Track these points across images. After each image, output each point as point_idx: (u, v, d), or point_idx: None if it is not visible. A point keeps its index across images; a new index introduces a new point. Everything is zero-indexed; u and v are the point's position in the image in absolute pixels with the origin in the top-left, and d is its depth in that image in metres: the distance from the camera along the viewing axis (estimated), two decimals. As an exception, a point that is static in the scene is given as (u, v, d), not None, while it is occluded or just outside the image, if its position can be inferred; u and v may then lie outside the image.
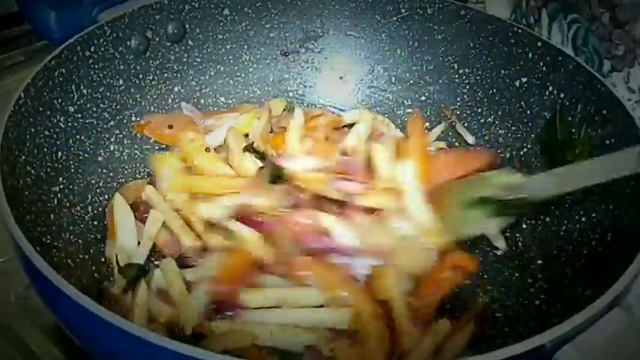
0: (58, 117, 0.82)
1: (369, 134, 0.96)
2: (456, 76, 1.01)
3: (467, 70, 1.00)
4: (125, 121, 0.93)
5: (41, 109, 0.78)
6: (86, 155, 0.86)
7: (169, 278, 0.77)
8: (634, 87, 1.01)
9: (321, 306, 0.75)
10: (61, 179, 0.80)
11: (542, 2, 1.10)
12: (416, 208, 0.82)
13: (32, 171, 0.75)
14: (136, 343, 0.50)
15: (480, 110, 0.99)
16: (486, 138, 0.98)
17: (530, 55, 0.91)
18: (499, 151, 0.96)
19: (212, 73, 1.02)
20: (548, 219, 0.87)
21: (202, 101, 1.02)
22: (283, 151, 0.92)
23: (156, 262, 0.81)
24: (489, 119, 0.98)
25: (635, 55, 0.99)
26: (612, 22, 1.00)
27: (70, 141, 0.84)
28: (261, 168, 0.86)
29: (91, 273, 0.78)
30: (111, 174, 0.89)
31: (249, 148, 0.89)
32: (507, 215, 0.82)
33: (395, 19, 1.03)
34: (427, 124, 1.03)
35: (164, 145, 0.96)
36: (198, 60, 1.00)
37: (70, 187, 0.82)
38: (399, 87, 1.05)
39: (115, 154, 0.90)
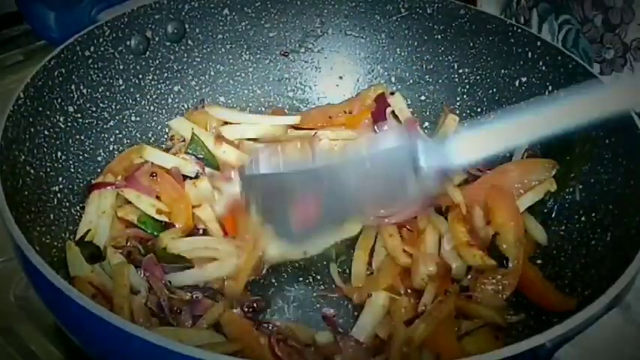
0: (58, 117, 0.82)
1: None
2: (456, 75, 1.01)
3: (467, 70, 1.00)
4: (125, 121, 0.93)
5: (41, 109, 0.78)
6: (86, 155, 0.86)
7: (117, 282, 0.73)
8: (621, 92, 1.00)
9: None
10: (61, 179, 0.81)
11: (533, 2, 1.09)
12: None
13: (32, 171, 0.75)
14: (135, 344, 0.50)
15: (479, 110, 0.99)
16: (486, 138, 0.98)
17: (530, 54, 0.91)
18: (499, 150, 0.96)
19: (212, 73, 1.02)
20: (548, 219, 0.87)
21: (202, 101, 1.02)
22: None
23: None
24: (489, 119, 0.98)
25: (625, 59, 0.98)
26: (604, 24, 0.99)
27: (70, 141, 0.84)
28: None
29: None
30: (111, 174, 0.89)
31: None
32: None
33: (395, 18, 1.03)
34: (427, 123, 1.03)
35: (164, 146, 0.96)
36: (198, 60, 1.00)
37: (70, 187, 0.82)
38: (399, 87, 1.04)
39: (114, 154, 0.90)
